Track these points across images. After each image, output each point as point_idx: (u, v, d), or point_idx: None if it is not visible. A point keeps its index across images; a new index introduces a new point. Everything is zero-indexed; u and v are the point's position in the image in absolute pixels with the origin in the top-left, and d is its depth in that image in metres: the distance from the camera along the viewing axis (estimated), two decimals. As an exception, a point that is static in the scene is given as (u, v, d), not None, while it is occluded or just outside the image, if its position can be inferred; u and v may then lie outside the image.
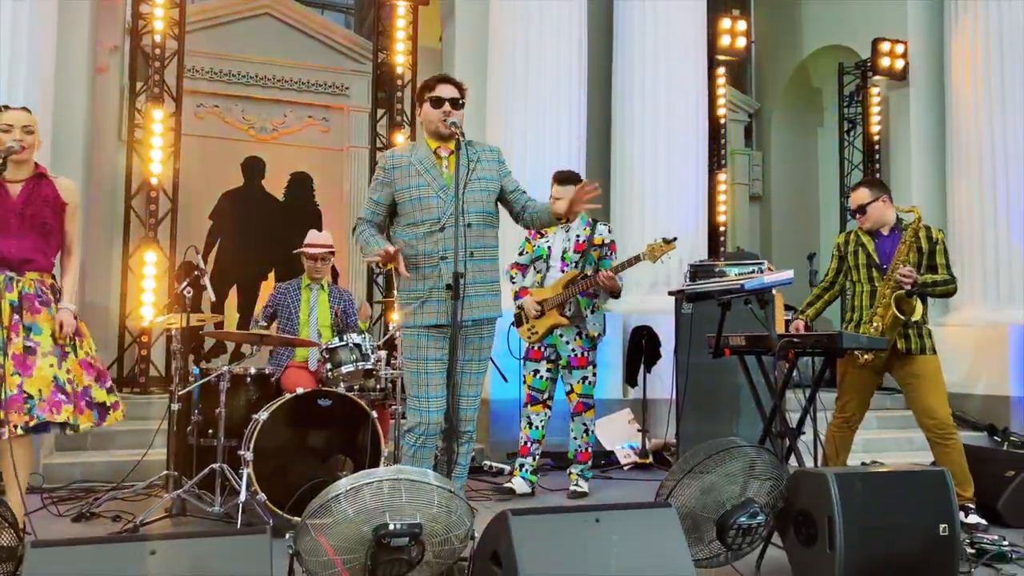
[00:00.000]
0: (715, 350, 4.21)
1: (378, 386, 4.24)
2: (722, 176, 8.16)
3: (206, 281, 3.93)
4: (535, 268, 4.67)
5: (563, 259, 4.58)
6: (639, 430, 5.71)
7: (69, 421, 3.20)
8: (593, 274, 4.43)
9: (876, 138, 8.59)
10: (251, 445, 3.51)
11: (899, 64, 8.21)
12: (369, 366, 4.01)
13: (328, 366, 3.96)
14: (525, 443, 4.61)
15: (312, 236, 4.77)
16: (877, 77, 8.36)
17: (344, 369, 3.94)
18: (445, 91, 3.10)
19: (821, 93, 10.61)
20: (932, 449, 3.93)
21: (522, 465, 4.63)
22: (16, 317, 3.16)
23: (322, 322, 4.63)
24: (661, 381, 5.85)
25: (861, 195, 4.15)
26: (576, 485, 4.58)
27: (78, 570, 1.98)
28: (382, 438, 3.73)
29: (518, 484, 4.59)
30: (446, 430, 3.03)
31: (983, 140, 7.43)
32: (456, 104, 3.10)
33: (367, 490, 2.20)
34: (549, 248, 4.61)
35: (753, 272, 5.41)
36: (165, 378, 6.48)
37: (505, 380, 5.27)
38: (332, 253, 4.76)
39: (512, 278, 4.69)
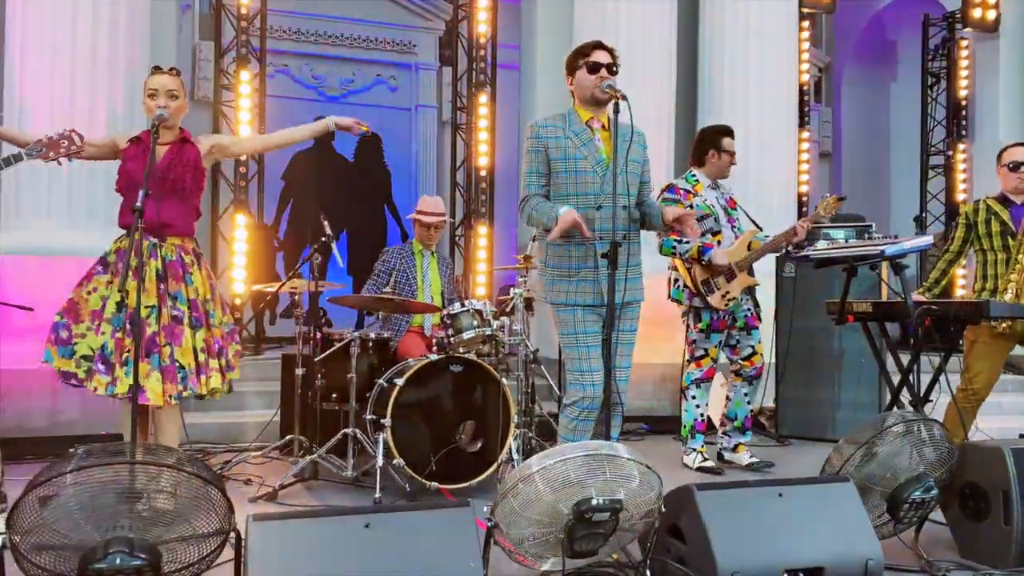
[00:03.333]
0: (839, 316, 4.12)
1: (492, 352, 4.23)
2: (805, 134, 7.94)
3: (334, 247, 3.91)
4: (699, 229, 4.17)
5: (729, 216, 4.38)
6: (736, 395, 5.64)
7: (208, 388, 3.22)
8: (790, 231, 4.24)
9: (964, 93, 8.29)
10: (388, 411, 3.51)
11: (991, 15, 7.88)
12: (490, 332, 3.97)
13: (450, 331, 3.93)
14: (702, 419, 4.36)
15: (425, 202, 4.70)
16: (967, 29, 8.04)
17: (466, 335, 3.90)
18: (602, 57, 3.01)
19: (896, 46, 10.26)
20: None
21: (709, 442, 4.45)
22: (162, 286, 3.16)
23: (435, 289, 4.62)
24: (759, 345, 5.77)
25: None
26: (752, 456, 4.43)
27: (299, 542, 1.99)
28: (512, 404, 3.72)
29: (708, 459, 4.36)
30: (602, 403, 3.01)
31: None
32: (611, 70, 3.00)
33: (567, 466, 2.18)
34: (711, 206, 4.30)
35: (862, 235, 5.30)
36: (255, 339, 6.55)
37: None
38: (444, 220, 4.71)
39: (674, 247, 4.23)
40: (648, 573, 2.45)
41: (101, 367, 3.10)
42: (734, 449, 4.46)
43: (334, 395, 4.05)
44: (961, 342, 4.23)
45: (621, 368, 3.05)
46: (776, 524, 2.42)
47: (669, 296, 4.50)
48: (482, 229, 6.63)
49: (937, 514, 2.97)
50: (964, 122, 8.34)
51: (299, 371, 3.99)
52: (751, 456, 4.42)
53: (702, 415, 4.36)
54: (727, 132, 4.40)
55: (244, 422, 5.00)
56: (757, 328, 4.42)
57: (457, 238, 7.07)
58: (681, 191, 4.31)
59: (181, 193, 3.22)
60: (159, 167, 3.18)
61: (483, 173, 6.69)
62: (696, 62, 6.76)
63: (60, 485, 1.94)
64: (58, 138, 2.86)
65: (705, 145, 4.37)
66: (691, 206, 4.26)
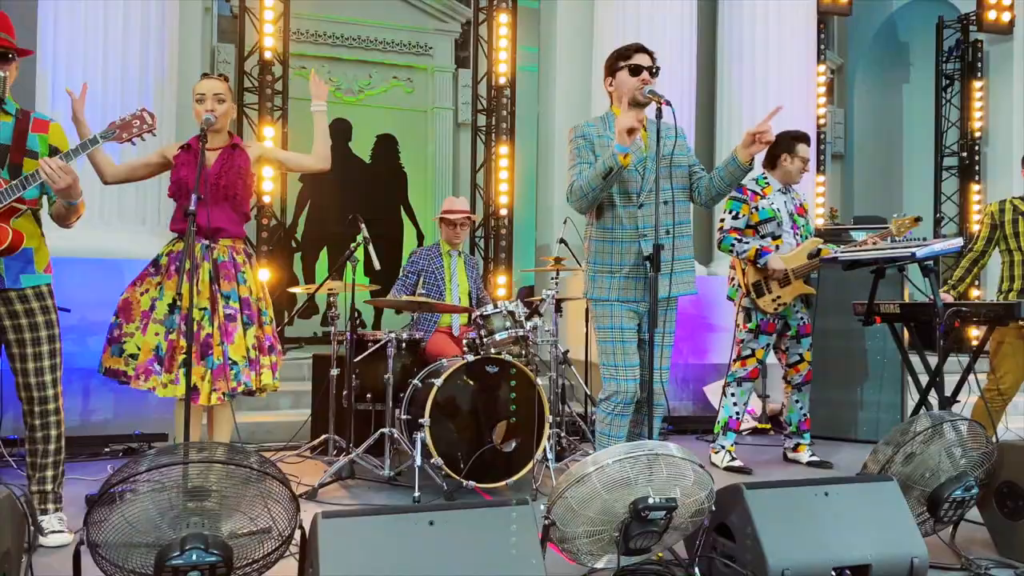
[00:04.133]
0: (866, 317, 4.17)
1: (522, 352, 4.27)
2: (821, 135, 7.98)
3: (371, 249, 3.96)
4: (761, 231, 4.33)
5: (794, 223, 4.40)
6: (759, 395, 5.70)
7: (259, 385, 3.28)
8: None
9: (979, 94, 8.33)
10: (426, 411, 3.56)
11: (1006, 17, 7.93)
12: (522, 333, 4.01)
13: (483, 332, 3.97)
14: (737, 417, 4.42)
15: (450, 202, 4.79)
16: (982, 32, 8.08)
17: (498, 336, 3.95)
18: (643, 59, 3.05)
19: (909, 48, 10.30)
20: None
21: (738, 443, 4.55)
22: (215, 286, 3.22)
23: (462, 289, 4.67)
24: (779, 346, 5.81)
25: None
26: (813, 454, 4.55)
27: (366, 539, 2.04)
28: (547, 405, 3.76)
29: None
30: (639, 401, 3.07)
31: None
32: (652, 72, 3.05)
33: (623, 465, 2.22)
34: (777, 210, 4.33)
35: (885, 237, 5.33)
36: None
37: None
38: (469, 219, 4.77)
39: (733, 244, 4.30)
40: (696, 571, 2.50)
41: (157, 367, 3.16)
42: (795, 449, 4.59)
43: (368, 395, 4.10)
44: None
45: (660, 369, 3.08)
46: (823, 523, 2.46)
47: (727, 295, 4.61)
48: (503, 231, 6.68)
49: (970, 512, 3.02)
50: (980, 123, 8.37)
51: (334, 371, 4.04)
52: (811, 455, 4.53)
53: (738, 414, 4.42)
54: (803, 138, 4.41)
55: (272, 422, 5.05)
56: (808, 336, 4.49)
57: (477, 239, 7.11)
58: (748, 191, 4.37)
59: (233, 200, 3.28)
60: (210, 173, 3.23)
61: (504, 174, 6.73)
62: (715, 62, 6.80)
63: (136, 484, 1.99)
64: (131, 119, 2.89)
65: (779, 148, 4.36)
66: (756, 208, 4.33)
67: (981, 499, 2.98)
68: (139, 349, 3.22)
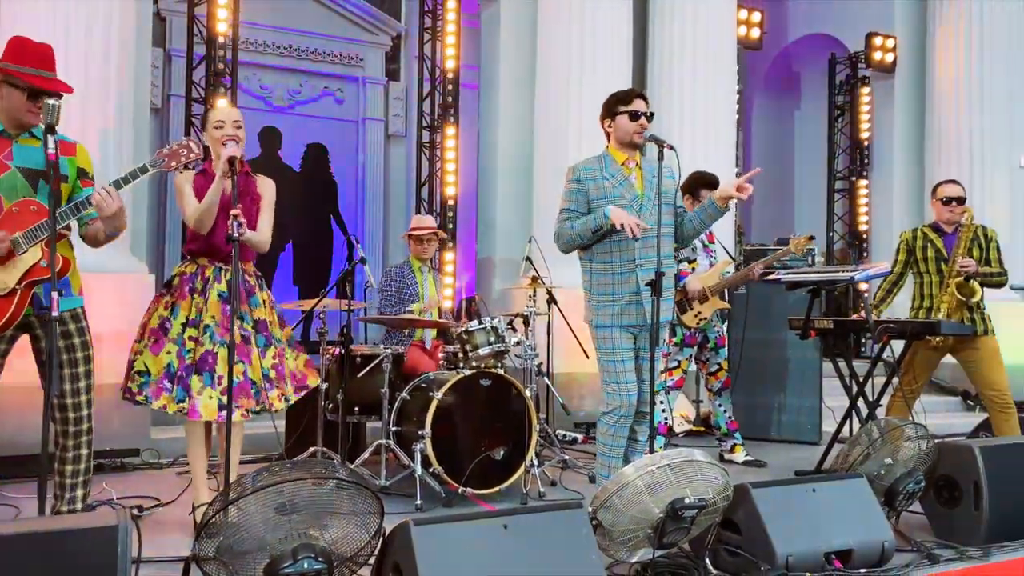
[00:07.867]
0: (803, 331, 4.70)
1: (497, 365, 4.54)
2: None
3: (367, 269, 4.11)
4: (678, 256, 4.70)
5: (705, 247, 4.95)
6: (693, 400, 6.20)
7: (275, 405, 3.41)
8: (748, 264, 4.89)
9: (866, 127, 9.27)
10: (426, 422, 3.77)
11: (889, 58, 8.88)
12: (502, 348, 4.26)
13: (467, 347, 4.20)
14: (666, 422, 4.90)
15: (417, 220, 5.01)
16: (869, 69, 9.00)
17: (482, 351, 4.19)
18: (641, 105, 3.39)
19: (800, 79, 11.25)
20: (993, 417, 4.54)
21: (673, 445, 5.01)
22: (227, 308, 3.31)
23: (432, 303, 4.88)
24: (710, 355, 6.33)
25: (960, 190, 4.66)
26: (747, 454, 5.03)
27: (453, 543, 2.27)
28: (534, 415, 4.05)
29: None
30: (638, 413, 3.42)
31: (962, 132, 8.15)
32: (648, 117, 3.40)
33: (663, 471, 2.55)
34: None
35: (805, 259, 5.94)
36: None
37: (587, 356, 5.64)
38: (436, 234, 4.99)
39: None
40: (707, 561, 2.86)
41: (168, 385, 3.23)
42: (731, 450, 5.06)
43: (356, 408, 4.26)
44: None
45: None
46: (813, 514, 2.88)
47: None
48: (449, 244, 6.91)
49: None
50: (867, 152, 9.30)
51: (324, 385, 4.18)
52: (746, 455, 5.03)
53: (666, 419, 4.91)
54: (712, 185, 4.81)
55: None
56: (724, 347, 5.04)
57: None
58: None
59: (247, 224, 3.37)
60: (227, 199, 3.32)
61: (451, 191, 6.97)
62: (645, 83, 7.28)
63: (241, 503, 2.14)
64: (177, 147, 2.94)
65: (690, 188, 4.86)
66: None
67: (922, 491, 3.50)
68: (147, 367, 3.28)
